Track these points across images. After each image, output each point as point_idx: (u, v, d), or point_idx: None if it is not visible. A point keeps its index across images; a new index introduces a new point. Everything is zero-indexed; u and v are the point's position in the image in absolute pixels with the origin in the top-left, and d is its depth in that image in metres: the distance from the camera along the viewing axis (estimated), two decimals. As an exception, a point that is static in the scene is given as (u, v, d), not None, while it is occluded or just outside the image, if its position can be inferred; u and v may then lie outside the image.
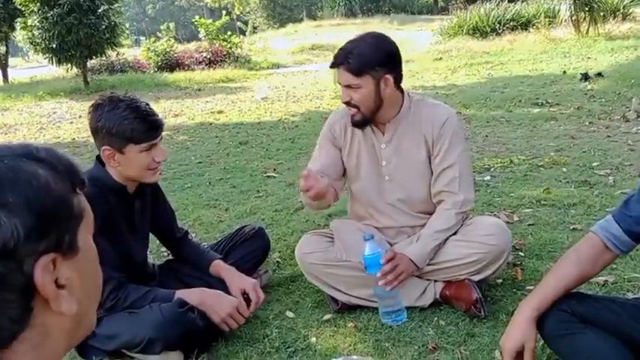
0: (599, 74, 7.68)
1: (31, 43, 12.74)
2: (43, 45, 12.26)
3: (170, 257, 2.51)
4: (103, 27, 12.38)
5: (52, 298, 0.62)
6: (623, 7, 14.04)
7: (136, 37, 31.70)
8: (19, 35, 14.12)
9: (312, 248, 2.21)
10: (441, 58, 12.64)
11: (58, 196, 0.65)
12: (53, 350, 0.66)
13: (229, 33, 17.20)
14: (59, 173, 0.66)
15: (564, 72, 8.63)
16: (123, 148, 1.92)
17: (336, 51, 2.14)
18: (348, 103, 2.11)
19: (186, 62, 15.91)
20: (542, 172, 3.80)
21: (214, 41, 16.50)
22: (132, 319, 1.93)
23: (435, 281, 2.17)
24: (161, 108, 9.26)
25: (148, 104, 1.99)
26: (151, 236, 2.35)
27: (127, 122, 1.89)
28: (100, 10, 12.33)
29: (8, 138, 7.88)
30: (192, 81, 13.28)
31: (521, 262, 2.48)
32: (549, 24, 14.00)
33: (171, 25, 20.15)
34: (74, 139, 7.27)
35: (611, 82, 7.27)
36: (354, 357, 1.78)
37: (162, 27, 20.15)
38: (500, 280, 2.31)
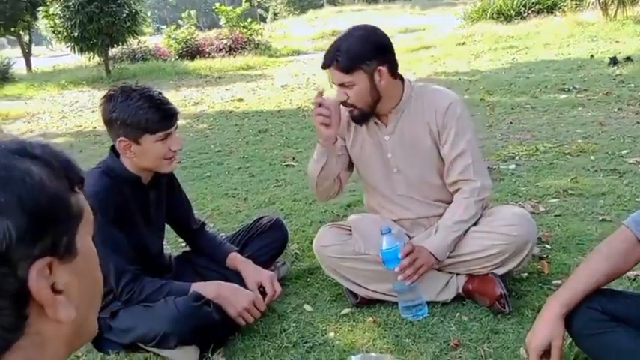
0: (628, 58, 7.45)
1: (54, 32, 12.84)
2: (65, 34, 12.34)
3: (187, 248, 2.48)
4: (124, 15, 12.40)
5: (49, 304, 0.59)
6: (654, -11, 13.61)
7: (157, 25, 31.83)
8: (42, 24, 14.23)
9: (330, 241, 2.16)
10: (464, 43, 12.40)
11: (53, 195, 0.60)
12: None
13: (250, 20, 17.11)
14: (55, 171, 0.62)
15: (592, 56, 8.39)
16: (139, 139, 1.89)
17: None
18: (344, 103, 2.06)
19: (207, 50, 15.89)
20: (569, 161, 3.68)
21: (235, 28, 16.45)
22: (147, 313, 1.90)
23: (457, 275, 2.10)
24: (181, 96, 9.27)
25: (161, 93, 1.95)
26: (168, 227, 2.32)
27: (142, 112, 1.85)
28: (120, -2, 12.37)
29: (31, 127, 7.97)
30: (212, 69, 13.26)
31: (547, 255, 2.39)
32: (576, 7, 13.64)
33: (193, 12, 20.12)
34: (95, 127, 7.30)
35: (640, 66, 7.06)
36: (373, 354, 1.73)
37: (183, 15, 20.13)
38: (526, 274, 2.24)
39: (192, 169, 4.57)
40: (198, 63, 14.21)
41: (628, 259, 1.48)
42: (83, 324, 0.66)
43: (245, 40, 16.09)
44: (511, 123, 5.01)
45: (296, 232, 2.93)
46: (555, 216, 2.80)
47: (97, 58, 13.54)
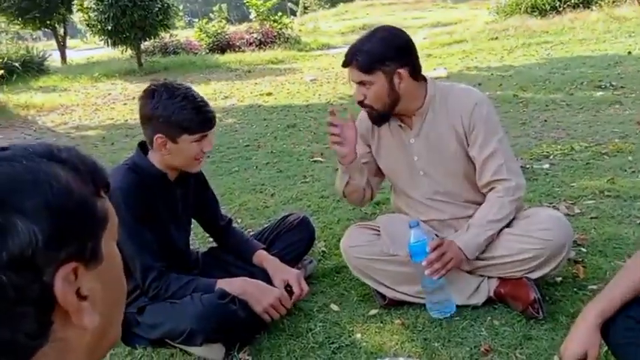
0: (668, 54, 7.21)
1: (88, 25, 13.00)
2: (99, 27, 12.49)
3: (214, 244, 2.47)
4: (157, 9, 12.49)
5: (74, 310, 0.57)
6: (696, -18, 13.16)
7: (189, 19, 32.06)
8: (77, 17, 14.43)
9: (358, 241, 2.13)
10: (496, 38, 12.17)
11: (80, 200, 0.59)
12: None
13: (280, 14, 17.11)
14: (81, 175, 0.61)
15: (629, 52, 8.14)
16: (177, 138, 1.90)
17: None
18: (361, 103, 2.04)
19: (237, 43, 15.93)
20: (605, 161, 3.57)
21: (265, 22, 16.46)
22: (174, 310, 1.90)
23: (489, 278, 2.05)
24: (211, 90, 9.31)
25: (199, 95, 1.96)
26: (195, 223, 2.32)
27: (186, 112, 1.87)
28: (153, -8, 12.46)
29: (64, 119, 8.10)
30: (242, 62, 13.29)
31: (582, 259, 2.31)
32: (613, 1, 13.28)
33: (224, 6, 20.17)
34: (127, 120, 7.40)
35: (681, 63, 6.82)
36: (401, 359, 1.69)
37: (214, 8, 20.22)
38: (560, 279, 2.17)
39: (221, 163, 4.57)
40: (229, 57, 14.26)
41: (670, 266, 1.42)
42: (107, 330, 0.65)
43: (275, 33, 16.09)
44: (545, 121, 4.88)
45: (323, 230, 2.90)
46: (591, 218, 2.71)
47: (129, 52, 13.68)
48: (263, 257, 2.21)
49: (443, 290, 1.97)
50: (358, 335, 1.98)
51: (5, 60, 12.82)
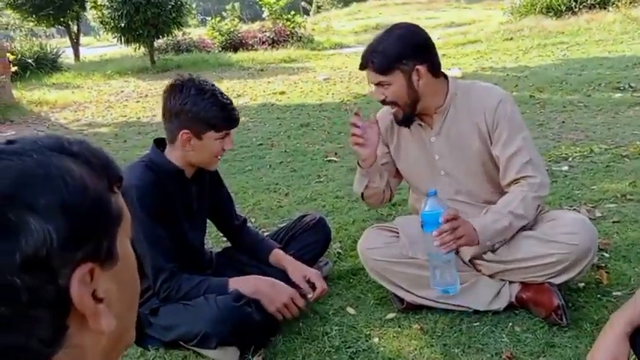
0: (688, 56, 7.09)
1: (101, 23, 13.05)
2: (112, 24, 12.53)
3: (228, 244, 2.44)
4: (170, 6, 12.51)
5: (91, 313, 0.54)
6: None
7: (202, 17, 32.09)
8: (90, 14, 14.49)
9: (376, 243, 2.08)
10: (511, 38, 12.06)
11: (95, 196, 0.56)
12: None
13: (293, 12, 17.07)
14: (95, 169, 0.57)
15: (648, 54, 8.04)
16: (202, 134, 1.88)
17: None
18: (383, 102, 2.00)
19: (250, 42, 15.92)
20: (626, 163, 3.49)
21: (278, 21, 16.44)
22: (188, 312, 1.86)
23: (511, 283, 1.99)
24: (224, 88, 9.17)
25: (224, 92, 1.96)
26: (210, 223, 2.28)
27: (215, 109, 1.86)
28: (166, -10, 12.47)
29: (77, 115, 8.11)
30: (255, 61, 13.27)
31: (605, 265, 2.25)
32: (630, 2, 13.09)
33: (237, 4, 20.22)
34: (139, 117, 7.39)
35: (701, 64, 6.70)
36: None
37: (227, 6, 20.24)
38: (583, 284, 2.11)
39: (234, 162, 4.54)
40: (241, 55, 14.25)
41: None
42: (122, 334, 0.62)
43: (288, 32, 16.06)
44: (563, 122, 4.81)
45: (338, 231, 2.86)
46: (613, 222, 2.64)
47: (142, 49, 13.72)
48: (280, 256, 2.18)
49: (449, 269, 1.80)
50: (375, 339, 1.93)
51: (19, 57, 12.87)
